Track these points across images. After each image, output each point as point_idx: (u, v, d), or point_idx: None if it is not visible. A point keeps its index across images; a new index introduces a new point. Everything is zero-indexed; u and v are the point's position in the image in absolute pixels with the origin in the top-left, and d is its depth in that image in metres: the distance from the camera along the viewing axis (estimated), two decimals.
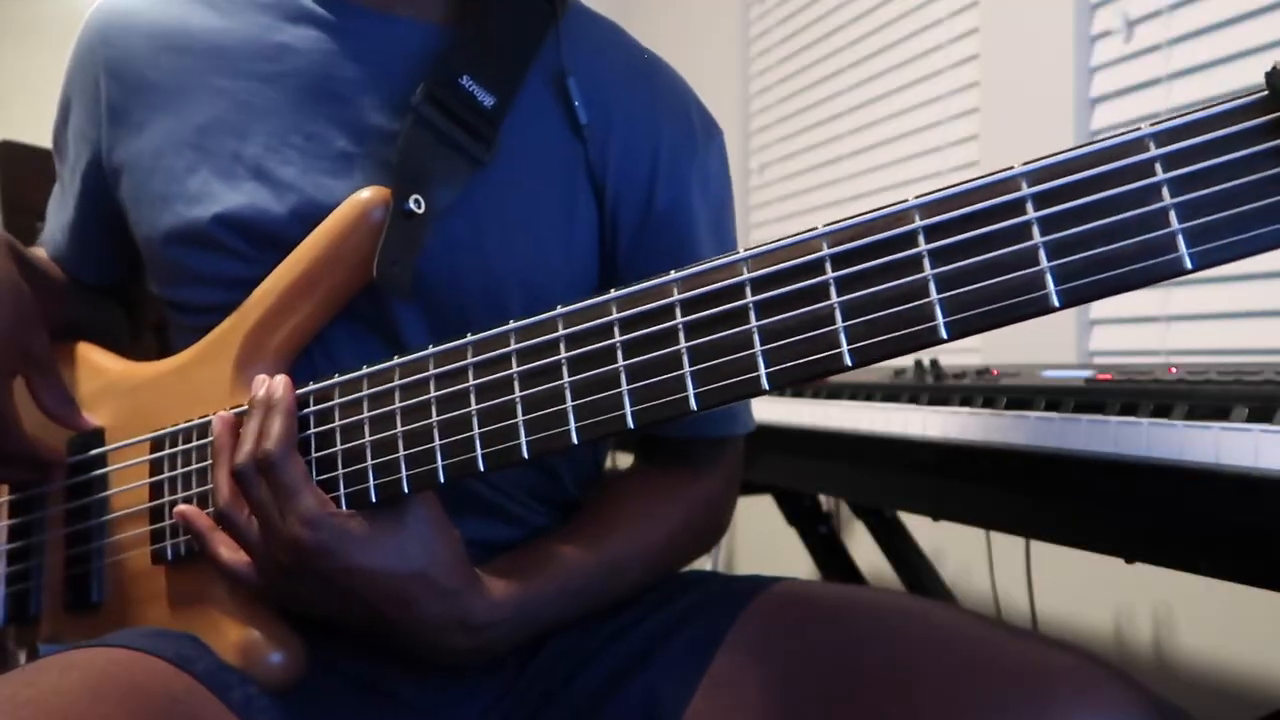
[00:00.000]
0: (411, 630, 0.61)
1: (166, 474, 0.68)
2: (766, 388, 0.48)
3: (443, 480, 0.57)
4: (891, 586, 1.50)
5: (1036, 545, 1.35)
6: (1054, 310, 0.43)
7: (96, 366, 0.78)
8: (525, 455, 0.54)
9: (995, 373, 1.01)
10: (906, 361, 1.12)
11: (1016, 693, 0.50)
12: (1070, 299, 0.43)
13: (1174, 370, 0.81)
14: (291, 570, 0.59)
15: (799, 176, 2.32)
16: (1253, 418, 0.59)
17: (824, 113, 2.22)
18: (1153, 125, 0.41)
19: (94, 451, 0.73)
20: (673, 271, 0.51)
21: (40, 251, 0.85)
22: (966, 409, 0.82)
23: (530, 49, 0.71)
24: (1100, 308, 1.49)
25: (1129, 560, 0.71)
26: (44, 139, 0.84)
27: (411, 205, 0.64)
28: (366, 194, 0.65)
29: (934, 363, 1.05)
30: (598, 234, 0.73)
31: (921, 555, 1.49)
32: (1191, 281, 1.35)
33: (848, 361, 0.46)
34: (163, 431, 0.69)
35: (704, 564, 2.21)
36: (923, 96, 1.90)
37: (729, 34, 2.59)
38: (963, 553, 1.67)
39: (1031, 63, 1.60)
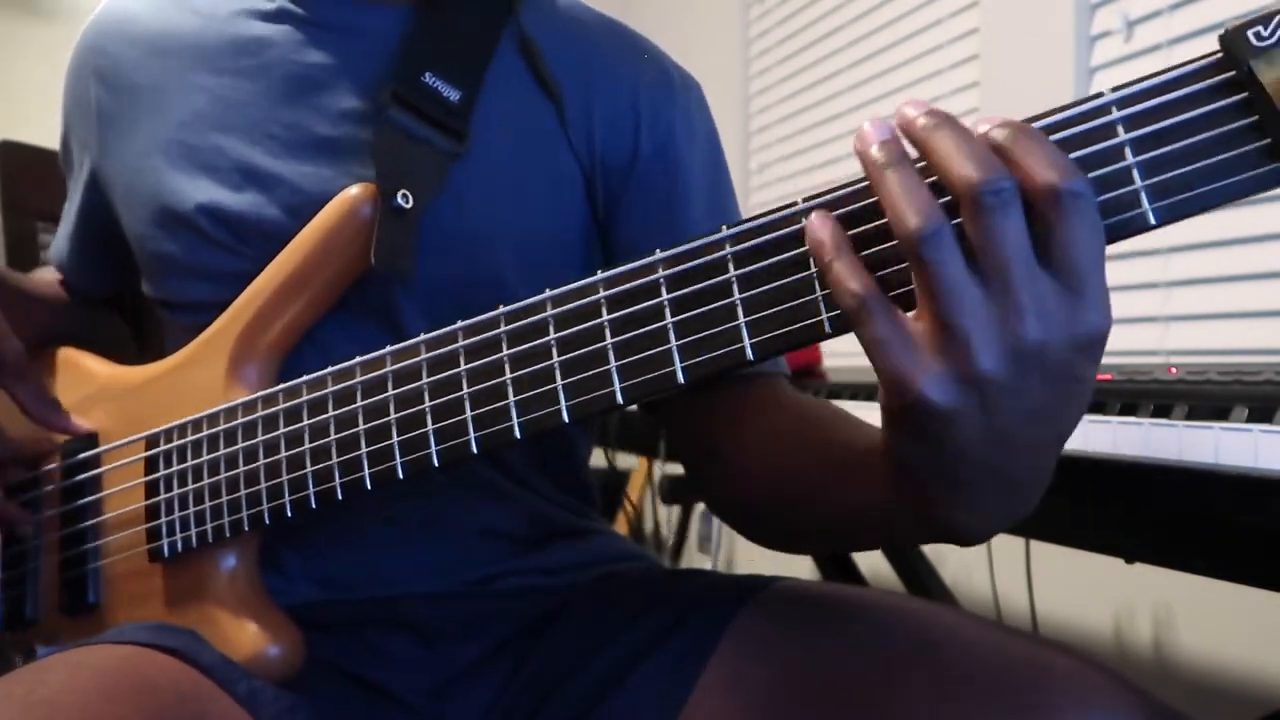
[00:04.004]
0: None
1: (162, 471, 0.68)
2: (752, 358, 0.49)
3: (437, 464, 0.58)
4: (891, 587, 1.49)
5: (1036, 545, 1.35)
6: None
7: (87, 372, 0.78)
8: (518, 436, 0.55)
9: None
10: None
11: (1014, 695, 0.50)
12: None
13: (1174, 370, 0.81)
14: (1040, 351, 0.40)
15: (799, 176, 2.32)
16: (1253, 418, 0.59)
17: (824, 112, 2.22)
18: (1114, 90, 0.43)
19: (87, 454, 0.73)
20: (658, 251, 0.52)
21: (48, 272, 0.87)
22: None
23: (492, 29, 0.73)
24: None
25: (1129, 560, 0.71)
26: (44, 139, 0.84)
27: (400, 201, 0.65)
28: (354, 190, 0.66)
29: None
30: (585, 196, 0.74)
31: (921, 555, 1.48)
32: (1191, 281, 1.35)
33: (828, 329, 0.47)
34: (157, 430, 0.69)
35: (704, 562, 2.21)
36: (923, 96, 1.89)
37: (729, 34, 2.59)
38: (963, 553, 1.67)
39: (1031, 63, 1.60)
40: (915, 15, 1.91)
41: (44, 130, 0.83)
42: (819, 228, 0.44)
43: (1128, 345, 1.46)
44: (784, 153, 2.38)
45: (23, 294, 0.81)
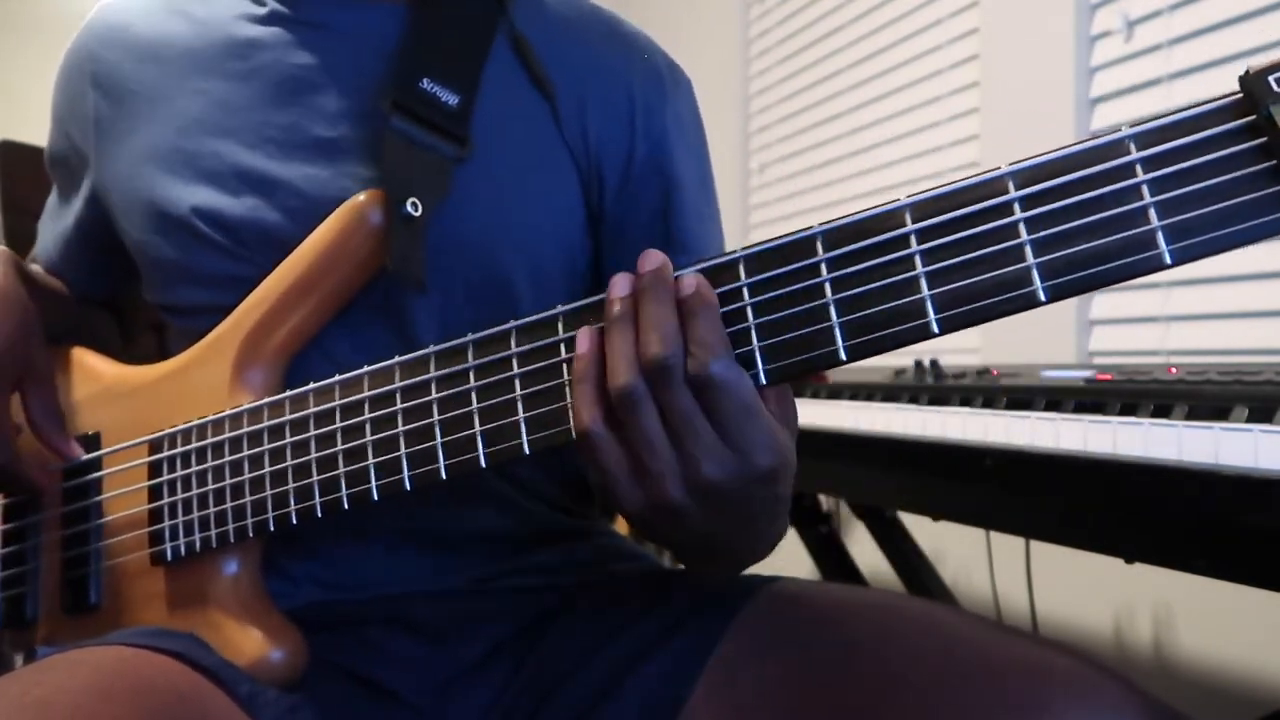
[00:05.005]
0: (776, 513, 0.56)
1: (165, 476, 0.68)
2: (765, 383, 0.50)
3: (445, 477, 0.58)
4: (891, 587, 1.49)
5: (1036, 545, 1.35)
6: (1040, 305, 0.45)
7: (92, 371, 0.78)
8: (528, 452, 0.55)
9: (995, 373, 1.01)
10: (907, 362, 1.12)
11: (1014, 694, 0.50)
12: (1056, 294, 0.45)
13: (1174, 370, 0.81)
14: (718, 488, 0.49)
15: (799, 176, 2.32)
16: (1253, 418, 0.59)
17: (824, 113, 2.22)
18: (1133, 127, 0.43)
19: (90, 455, 0.73)
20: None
21: (34, 266, 0.86)
22: (966, 409, 0.82)
23: (484, 30, 0.73)
24: (1100, 308, 1.49)
25: (1129, 560, 0.71)
26: (44, 139, 0.84)
27: (409, 209, 0.65)
28: (363, 197, 0.66)
29: (934, 363, 1.05)
30: (581, 195, 0.74)
31: (921, 555, 1.49)
32: (1191, 282, 1.35)
33: (843, 356, 0.48)
34: (160, 434, 0.69)
35: None
36: (923, 96, 1.90)
37: (729, 34, 2.59)
38: (963, 553, 1.67)
39: (1031, 63, 1.60)
40: (915, 15, 1.91)
41: (44, 130, 0.83)
42: (581, 341, 0.51)
43: (1128, 345, 1.46)
44: (784, 153, 2.38)
45: (47, 295, 0.80)
